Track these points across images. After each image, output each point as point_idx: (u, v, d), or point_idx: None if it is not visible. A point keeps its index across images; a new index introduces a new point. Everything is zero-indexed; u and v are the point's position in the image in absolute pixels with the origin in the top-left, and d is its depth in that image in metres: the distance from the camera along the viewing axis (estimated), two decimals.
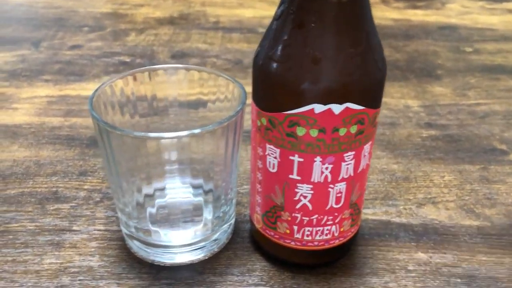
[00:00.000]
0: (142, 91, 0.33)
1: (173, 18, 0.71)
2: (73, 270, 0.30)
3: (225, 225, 0.32)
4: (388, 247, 0.33)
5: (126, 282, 0.30)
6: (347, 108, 0.25)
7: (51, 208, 0.35)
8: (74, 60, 0.58)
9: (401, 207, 0.36)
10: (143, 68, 0.32)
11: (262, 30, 0.68)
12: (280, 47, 0.25)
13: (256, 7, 0.76)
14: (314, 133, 0.25)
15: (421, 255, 0.32)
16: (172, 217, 0.32)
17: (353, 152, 0.26)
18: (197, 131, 0.26)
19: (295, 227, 0.29)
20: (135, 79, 0.32)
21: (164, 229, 0.31)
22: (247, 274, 0.30)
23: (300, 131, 0.25)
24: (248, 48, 0.62)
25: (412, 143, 0.44)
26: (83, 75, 0.54)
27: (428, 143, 0.44)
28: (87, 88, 0.51)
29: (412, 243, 0.33)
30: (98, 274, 0.30)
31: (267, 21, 0.78)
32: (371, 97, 0.26)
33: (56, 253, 0.32)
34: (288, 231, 0.29)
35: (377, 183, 0.39)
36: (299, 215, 0.28)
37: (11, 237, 0.33)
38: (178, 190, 0.32)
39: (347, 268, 0.31)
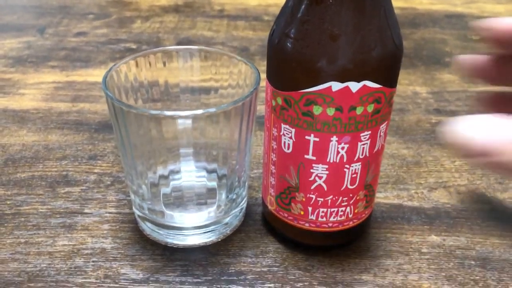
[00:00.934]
0: (155, 76, 0.33)
1: (178, 6, 0.70)
2: (86, 252, 0.30)
3: (238, 208, 0.32)
4: (401, 230, 0.33)
5: (140, 263, 0.30)
6: (364, 86, 0.24)
7: (62, 191, 0.35)
8: (80, 47, 0.57)
9: (413, 191, 0.36)
10: (156, 49, 0.32)
11: (268, 18, 0.67)
12: (296, 24, 0.25)
13: None
14: (330, 111, 0.25)
15: (434, 238, 0.32)
16: (186, 199, 0.32)
17: (369, 132, 0.26)
18: (212, 109, 0.26)
19: (310, 208, 0.29)
20: (148, 61, 0.32)
21: (178, 211, 0.31)
22: (260, 256, 0.30)
23: (317, 110, 0.25)
24: (254, 35, 0.62)
25: (421, 128, 0.44)
26: (89, 61, 0.54)
27: (438, 129, 0.44)
28: (93, 74, 0.51)
29: (425, 226, 0.33)
30: (111, 255, 0.30)
31: (273, 9, 0.78)
32: (389, 75, 0.25)
33: (69, 235, 0.32)
34: (302, 212, 0.29)
35: (388, 167, 0.38)
36: (314, 196, 0.28)
37: (22, 219, 0.33)
38: (192, 174, 0.32)
39: (361, 250, 0.31)
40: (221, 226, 0.32)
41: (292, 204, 0.29)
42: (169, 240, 0.31)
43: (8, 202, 0.34)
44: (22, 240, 0.31)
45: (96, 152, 0.39)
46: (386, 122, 0.27)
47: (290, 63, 0.25)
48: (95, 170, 0.37)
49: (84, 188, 0.36)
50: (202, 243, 0.31)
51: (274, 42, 0.26)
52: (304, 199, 0.28)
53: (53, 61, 0.54)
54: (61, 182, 0.36)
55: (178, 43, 0.59)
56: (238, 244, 0.31)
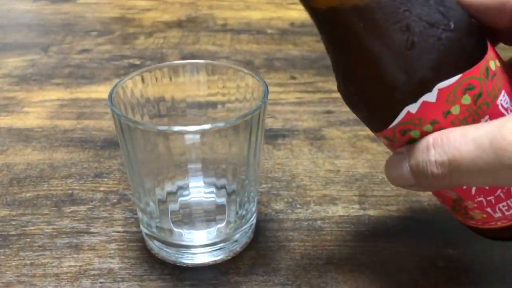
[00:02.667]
0: (161, 92, 0.32)
1: (181, 21, 0.70)
2: (93, 272, 0.30)
3: (247, 224, 0.32)
4: (416, 244, 0.32)
5: (149, 283, 0.29)
6: (439, 89, 0.22)
7: (68, 210, 0.35)
8: (84, 63, 0.57)
9: (426, 203, 0.35)
10: (162, 64, 0.31)
11: (271, 31, 0.67)
12: (343, 78, 0.24)
13: (263, 9, 0.76)
14: (429, 128, 0.23)
15: (450, 252, 0.31)
16: (195, 216, 0.31)
17: (487, 116, 0.23)
18: (220, 124, 0.26)
19: (489, 209, 0.26)
20: (154, 76, 0.31)
21: (186, 228, 0.30)
22: (272, 274, 0.30)
23: (415, 134, 0.23)
24: (258, 49, 0.62)
25: None
26: (94, 78, 0.53)
27: None
28: (98, 91, 0.51)
29: (440, 240, 0.32)
30: (119, 276, 0.29)
31: (275, 23, 0.78)
32: (459, 60, 0.22)
33: (75, 255, 0.31)
34: (485, 215, 0.26)
35: None
36: (482, 199, 0.25)
37: (28, 240, 0.32)
38: (201, 190, 0.32)
39: (374, 266, 0.30)
40: (231, 243, 0.31)
41: (471, 212, 0.26)
42: (178, 259, 0.30)
43: (13, 223, 0.33)
44: (28, 262, 0.30)
45: (102, 170, 0.39)
46: (502, 93, 0.23)
47: (363, 111, 0.25)
48: (101, 188, 0.37)
49: (90, 206, 0.35)
50: (212, 261, 0.30)
51: (344, 97, 0.26)
52: (476, 205, 0.26)
53: (57, 78, 0.53)
54: (66, 201, 0.35)
55: (182, 58, 0.59)
56: (248, 262, 0.30)
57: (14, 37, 0.65)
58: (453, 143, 0.21)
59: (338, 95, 0.49)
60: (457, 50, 0.22)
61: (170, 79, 0.32)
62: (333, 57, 0.24)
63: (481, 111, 0.23)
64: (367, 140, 0.43)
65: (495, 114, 0.23)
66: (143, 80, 0.31)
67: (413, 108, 0.22)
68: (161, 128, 0.26)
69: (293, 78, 0.54)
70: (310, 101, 0.49)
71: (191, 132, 0.26)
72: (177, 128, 0.25)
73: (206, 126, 0.25)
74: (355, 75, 0.24)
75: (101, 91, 0.51)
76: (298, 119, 0.46)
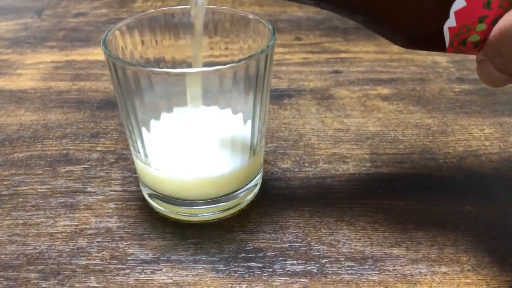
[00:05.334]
0: (162, 53, 0.31)
1: None
2: (89, 232, 0.28)
3: (253, 182, 0.30)
4: (432, 201, 0.30)
5: (149, 242, 0.27)
6: None
7: (63, 170, 0.33)
8: (79, 27, 0.55)
9: (441, 161, 0.33)
10: (159, 9, 0.29)
11: None
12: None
13: None
14: (481, 26, 0.22)
15: (469, 208, 0.29)
16: (198, 171, 0.29)
17: None
18: (225, 66, 0.24)
19: None
20: (154, 39, 0.29)
21: (189, 183, 0.28)
22: (280, 232, 0.28)
23: (474, 38, 0.23)
24: (261, 11, 0.59)
25: (445, 97, 0.41)
26: (90, 40, 0.51)
27: (462, 97, 0.41)
28: (94, 53, 0.48)
29: (457, 197, 0.30)
30: (118, 235, 0.28)
31: None
32: None
33: (71, 215, 0.29)
34: None
35: (412, 137, 0.36)
36: None
37: (21, 200, 0.30)
38: (203, 145, 0.30)
39: (389, 223, 0.28)
40: (236, 200, 0.29)
41: None
42: (180, 217, 0.29)
43: (5, 183, 0.32)
44: (20, 222, 0.29)
45: (99, 130, 0.37)
46: None
47: (425, 47, 0.24)
48: (98, 148, 0.35)
49: (86, 166, 0.33)
50: (216, 219, 0.29)
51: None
52: None
53: (51, 41, 0.51)
54: (61, 161, 0.33)
55: None
56: (255, 219, 0.29)
57: (5, 1, 0.62)
58: None
59: (346, 55, 0.48)
60: None
61: (168, 36, 0.30)
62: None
63: None
64: (378, 99, 0.40)
65: None
66: (142, 38, 0.29)
67: (451, 22, 0.22)
68: (158, 70, 0.23)
69: (299, 39, 0.51)
70: (317, 61, 0.47)
71: (191, 73, 0.24)
72: (177, 70, 0.23)
73: (208, 68, 0.23)
74: (395, 28, 0.24)
75: (98, 53, 0.48)
76: (305, 79, 0.44)
